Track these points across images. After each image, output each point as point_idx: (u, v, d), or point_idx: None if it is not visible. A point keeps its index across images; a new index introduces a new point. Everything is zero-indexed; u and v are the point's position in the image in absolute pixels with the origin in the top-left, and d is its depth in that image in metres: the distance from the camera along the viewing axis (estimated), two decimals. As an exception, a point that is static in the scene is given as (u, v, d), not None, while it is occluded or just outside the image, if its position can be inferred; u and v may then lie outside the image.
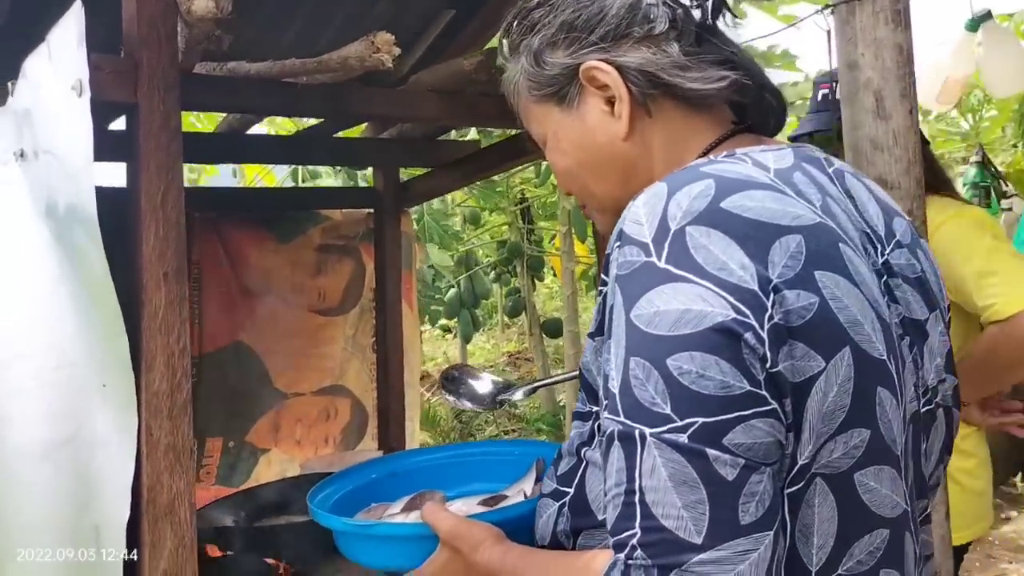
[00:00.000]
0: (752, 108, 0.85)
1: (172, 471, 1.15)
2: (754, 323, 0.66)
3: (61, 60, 1.21)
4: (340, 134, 2.17)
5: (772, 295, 0.67)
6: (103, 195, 1.19)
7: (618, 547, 0.68)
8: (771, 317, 0.66)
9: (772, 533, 0.66)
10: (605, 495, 0.71)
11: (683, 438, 0.65)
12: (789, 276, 0.67)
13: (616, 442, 0.69)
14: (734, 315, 0.65)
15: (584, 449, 0.85)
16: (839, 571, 0.73)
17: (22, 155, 1.41)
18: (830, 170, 0.83)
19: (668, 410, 0.65)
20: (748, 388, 0.65)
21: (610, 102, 0.84)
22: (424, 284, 4.75)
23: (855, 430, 0.70)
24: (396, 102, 1.67)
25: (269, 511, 1.88)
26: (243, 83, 1.45)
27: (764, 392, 0.66)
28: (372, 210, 2.34)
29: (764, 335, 0.66)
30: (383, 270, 2.31)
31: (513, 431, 6.32)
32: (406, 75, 1.75)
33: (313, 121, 2.21)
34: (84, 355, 1.22)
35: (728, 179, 0.72)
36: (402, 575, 1.10)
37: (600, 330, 0.78)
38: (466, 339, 6.42)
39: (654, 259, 0.68)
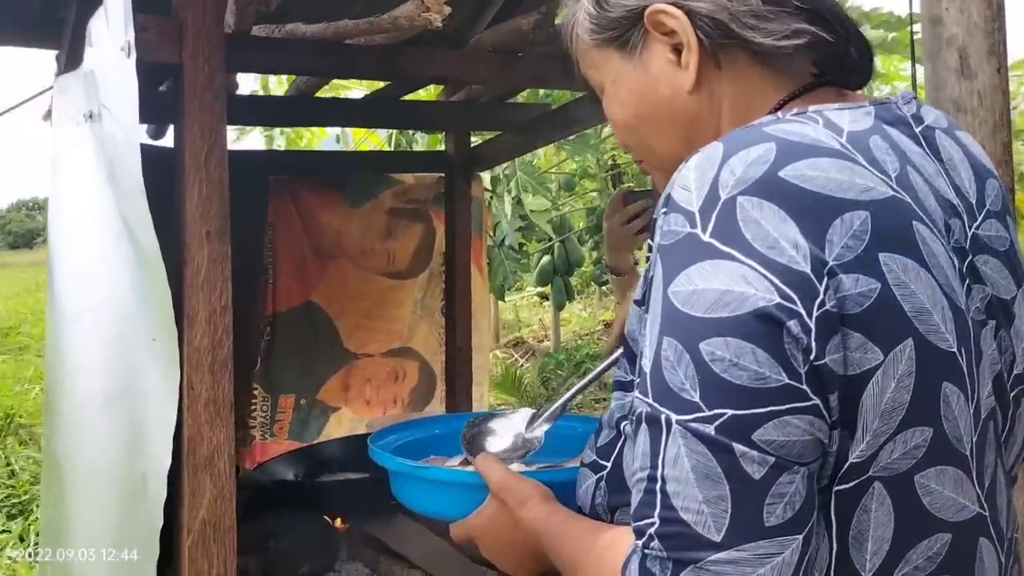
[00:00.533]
0: (834, 60, 0.76)
1: (212, 424, 1.19)
2: (801, 310, 0.60)
3: (114, 21, 1.25)
4: (410, 98, 2.17)
5: (826, 279, 0.60)
6: (156, 155, 1.22)
7: (638, 533, 0.64)
8: (822, 304, 0.60)
9: (801, 537, 0.61)
10: (631, 476, 0.67)
11: (710, 429, 0.60)
12: (848, 258, 0.61)
13: (643, 424, 0.65)
14: (778, 300, 0.59)
15: (624, 423, 0.81)
16: None
17: (91, 116, 1.46)
18: (919, 129, 0.75)
19: (696, 398, 0.61)
20: (786, 381, 0.59)
21: (676, 50, 0.76)
22: (512, 250, 4.73)
23: (916, 429, 0.64)
24: (454, 64, 1.65)
25: (330, 467, 1.92)
26: (296, 45, 1.46)
27: (804, 386, 0.60)
28: (443, 174, 2.34)
29: (811, 324, 0.60)
30: (453, 234, 2.31)
31: (603, 400, 6.29)
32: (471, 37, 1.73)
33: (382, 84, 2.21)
34: (136, 310, 1.26)
35: (792, 143, 0.65)
36: (451, 523, 1.11)
37: (644, 299, 0.72)
38: (559, 307, 6.39)
39: (699, 231, 0.63)
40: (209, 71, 1.21)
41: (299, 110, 2.04)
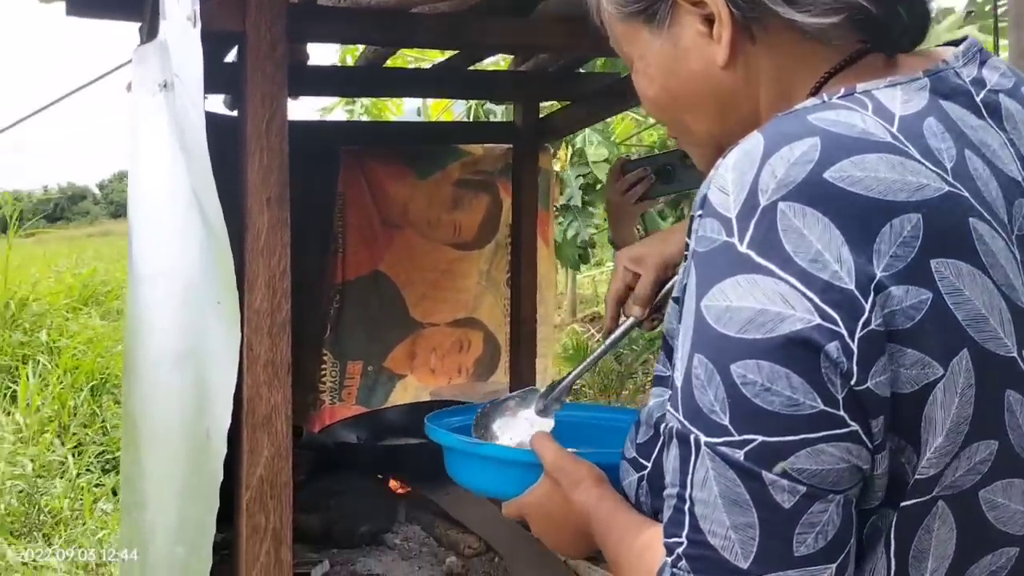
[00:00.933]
0: (881, 27, 0.68)
1: (270, 385, 1.23)
2: (843, 331, 0.56)
3: (182, -7, 1.29)
4: (478, 67, 2.17)
5: (873, 295, 0.56)
6: (226, 124, 1.26)
7: (667, 550, 0.63)
8: (867, 323, 0.56)
9: (835, 566, 0.58)
10: (664, 489, 0.65)
11: (739, 455, 0.57)
12: (898, 268, 0.57)
13: (674, 439, 0.63)
14: (818, 321, 0.56)
15: (663, 424, 0.76)
16: None
17: (165, 86, 1.52)
18: (980, 97, 0.68)
19: (726, 421, 0.58)
20: (821, 408, 0.56)
21: (708, 22, 0.71)
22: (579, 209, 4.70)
23: (981, 443, 0.60)
24: (518, 32, 1.64)
25: (393, 433, 1.97)
26: (359, 14, 1.48)
27: (842, 412, 0.56)
28: (511, 145, 2.34)
29: (854, 346, 0.56)
30: (520, 206, 2.31)
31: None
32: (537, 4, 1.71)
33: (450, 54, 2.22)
34: (203, 275, 1.31)
35: (838, 137, 0.60)
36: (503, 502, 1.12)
37: (681, 299, 0.68)
38: (635, 282, 6.32)
39: (735, 240, 0.58)
40: (271, 40, 1.24)
41: (367, 80, 2.07)
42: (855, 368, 0.56)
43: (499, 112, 4.42)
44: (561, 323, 8.20)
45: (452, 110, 4.81)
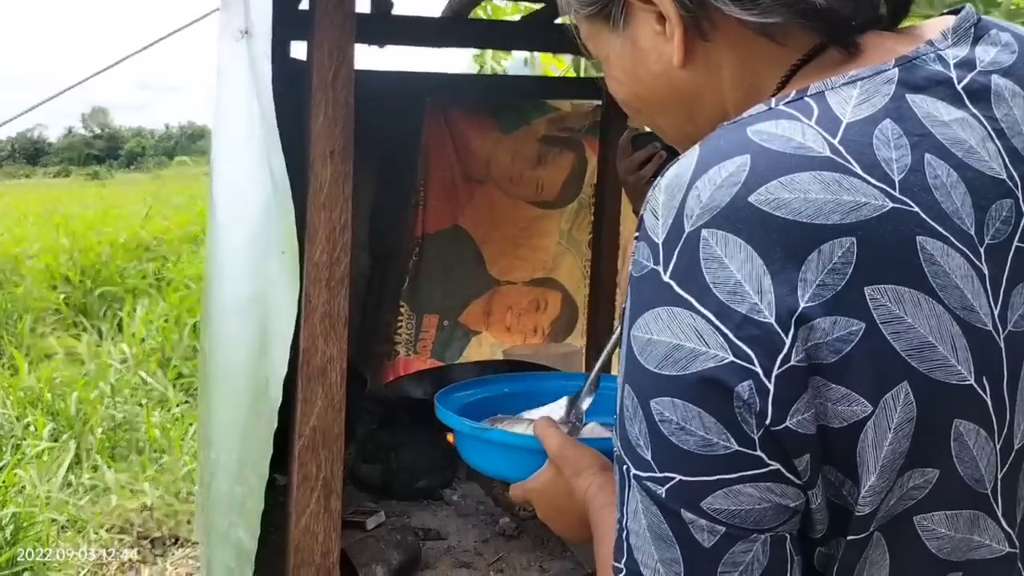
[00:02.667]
0: (838, 21, 0.62)
1: (327, 337, 1.23)
2: (758, 368, 0.53)
3: (256, -61, 1.28)
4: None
5: (794, 329, 0.53)
6: (294, 70, 1.25)
7: (614, 572, 0.63)
8: (786, 359, 0.53)
9: None
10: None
11: (661, 491, 0.57)
12: (826, 298, 0.53)
13: (615, 465, 0.62)
14: (731, 359, 0.53)
15: None
16: None
17: (245, 33, 1.53)
18: (963, 84, 0.61)
19: (649, 456, 0.57)
20: (736, 448, 0.54)
21: (663, 20, 0.68)
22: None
23: (916, 470, 0.57)
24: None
25: (459, 389, 1.97)
26: (438, -36, 1.44)
27: (759, 452, 0.54)
28: (599, 102, 2.27)
29: (770, 384, 0.53)
30: (605, 165, 2.25)
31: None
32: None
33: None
34: (268, 222, 1.32)
35: (770, 154, 0.56)
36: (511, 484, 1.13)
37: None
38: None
39: (660, 268, 0.56)
40: (340, -12, 1.21)
41: (451, 31, 2.04)
42: (770, 408, 0.53)
43: (592, 70, 4.32)
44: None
45: (564, 60, 4.72)
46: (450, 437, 1.78)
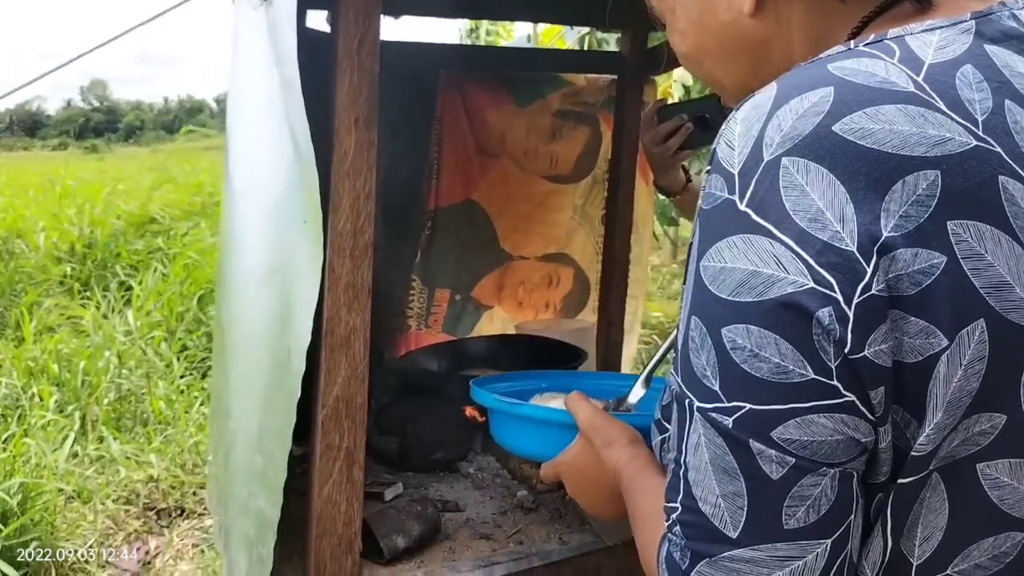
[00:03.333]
0: None
1: (350, 307, 1.22)
2: (838, 296, 0.52)
3: (280, -98, 1.26)
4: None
5: (875, 258, 0.52)
6: (316, 39, 1.24)
7: (666, 514, 0.63)
8: (867, 288, 0.52)
9: (829, 542, 0.56)
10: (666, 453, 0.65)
11: (728, 422, 0.56)
12: (908, 229, 0.53)
13: (674, 402, 0.62)
14: (811, 285, 0.53)
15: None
16: (948, 571, 0.61)
17: (264, 0, 1.51)
18: None
19: (716, 387, 0.56)
20: (812, 376, 0.53)
21: None
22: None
23: (983, 414, 0.57)
24: (627, -45, 1.55)
25: (473, 363, 1.97)
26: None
27: (835, 382, 0.53)
28: (615, 76, 2.25)
29: (849, 312, 0.52)
30: (620, 140, 2.23)
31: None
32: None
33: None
34: (290, 191, 1.31)
35: (854, 87, 0.56)
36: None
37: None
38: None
39: (736, 198, 0.56)
40: (366, -46, 1.20)
41: (468, 1, 2.01)
42: (850, 336, 0.53)
43: (612, 43, 4.29)
44: (660, 263, 8.08)
45: (564, 38, 4.69)
46: (471, 413, 1.79)
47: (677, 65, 3.35)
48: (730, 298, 0.55)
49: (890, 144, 0.54)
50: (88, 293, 5.44)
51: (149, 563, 2.97)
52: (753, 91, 0.67)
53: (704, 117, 1.66)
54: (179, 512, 3.34)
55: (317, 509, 1.21)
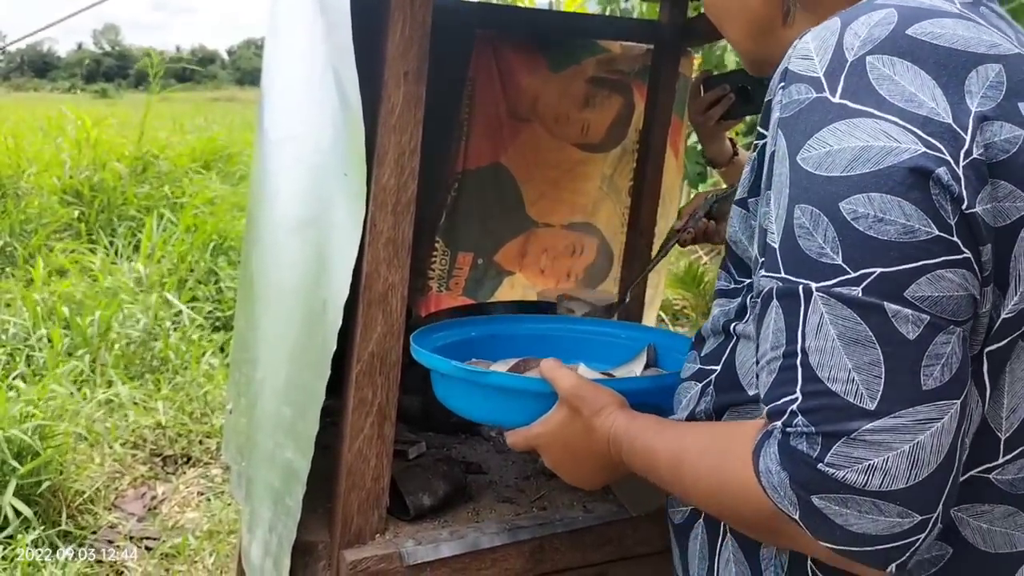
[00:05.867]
0: None
1: (390, 263, 1.21)
2: (948, 158, 0.57)
3: None
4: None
5: (971, 127, 0.58)
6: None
7: (775, 414, 0.61)
8: (969, 152, 0.58)
9: (959, 402, 0.57)
10: (757, 363, 0.65)
11: (856, 291, 0.57)
12: (990, 106, 0.60)
13: (774, 301, 0.62)
14: (923, 149, 0.57)
15: (734, 324, 0.79)
16: None
17: (310, -53, 1.48)
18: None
19: (839, 260, 0.58)
20: (937, 233, 0.57)
21: None
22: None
23: None
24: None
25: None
26: None
27: (956, 238, 0.57)
28: (651, 46, 2.22)
29: (960, 172, 0.57)
30: (653, 111, 2.21)
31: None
32: None
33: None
34: (332, 144, 1.29)
35: (911, 8, 0.63)
36: (506, 431, 1.09)
37: (753, 192, 0.70)
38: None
39: (827, 94, 0.61)
40: (423, -96, 1.17)
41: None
42: (964, 192, 0.57)
43: (635, 14, 4.23)
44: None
45: (586, 7, 4.63)
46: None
47: (717, 37, 3.32)
48: (844, 174, 0.58)
49: (959, 43, 0.61)
50: (94, 237, 5.42)
51: (155, 508, 2.99)
52: (751, 55, 0.79)
53: (745, 88, 1.65)
54: (185, 460, 3.35)
55: (347, 463, 1.21)
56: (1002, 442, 0.63)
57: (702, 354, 0.84)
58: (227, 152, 7.90)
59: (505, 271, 2.33)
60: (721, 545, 0.80)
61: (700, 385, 0.83)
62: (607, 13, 4.31)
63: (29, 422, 2.86)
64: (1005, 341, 0.62)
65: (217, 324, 4.47)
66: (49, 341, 3.80)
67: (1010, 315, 0.61)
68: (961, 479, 0.62)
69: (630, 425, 0.87)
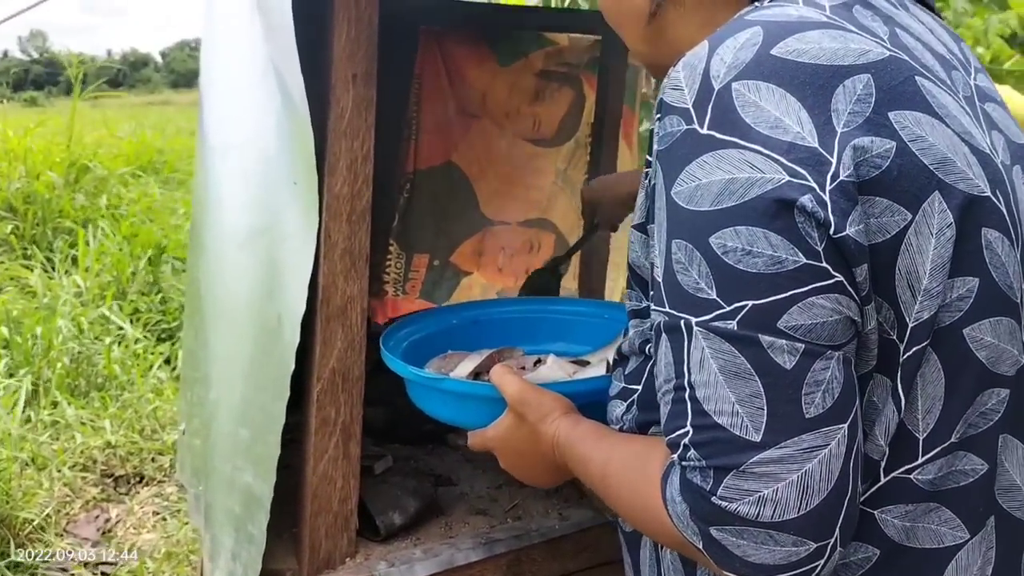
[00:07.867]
0: None
1: (347, 275, 1.16)
2: (813, 184, 0.57)
3: None
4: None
5: (837, 148, 0.57)
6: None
7: (672, 446, 0.62)
8: (836, 175, 0.57)
9: (846, 426, 0.57)
10: (657, 392, 0.65)
11: (732, 325, 0.57)
12: (858, 122, 0.59)
13: (663, 335, 0.62)
14: (787, 178, 0.57)
15: (648, 346, 0.79)
16: (952, 439, 0.64)
17: (246, -55, 1.41)
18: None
19: (714, 295, 0.58)
20: (804, 261, 0.56)
21: None
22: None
23: (958, 279, 0.62)
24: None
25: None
26: None
27: (825, 264, 0.57)
28: (599, 37, 2.19)
29: (826, 197, 0.56)
30: (604, 103, 2.18)
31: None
32: None
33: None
34: (278, 151, 1.23)
35: (777, 23, 0.63)
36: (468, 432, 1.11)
37: (650, 218, 0.69)
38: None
39: (695, 125, 0.60)
40: None
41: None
42: (831, 217, 0.56)
43: (584, 4, 4.21)
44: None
45: (531, -1, 4.58)
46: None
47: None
48: (712, 208, 0.58)
49: (823, 58, 0.61)
50: (29, 252, 5.22)
51: (110, 532, 2.88)
52: (648, 59, 0.79)
53: None
54: (138, 479, 3.24)
55: (312, 486, 1.16)
56: (920, 442, 0.63)
57: (625, 372, 0.85)
58: (164, 158, 7.69)
59: (462, 271, 2.28)
60: (663, 552, 0.81)
61: (625, 404, 0.84)
62: (552, 5, 4.28)
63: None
64: (914, 350, 0.62)
65: (163, 335, 4.33)
66: (-13, 363, 3.64)
67: (916, 323, 0.61)
68: (882, 482, 0.64)
69: (571, 432, 0.89)
